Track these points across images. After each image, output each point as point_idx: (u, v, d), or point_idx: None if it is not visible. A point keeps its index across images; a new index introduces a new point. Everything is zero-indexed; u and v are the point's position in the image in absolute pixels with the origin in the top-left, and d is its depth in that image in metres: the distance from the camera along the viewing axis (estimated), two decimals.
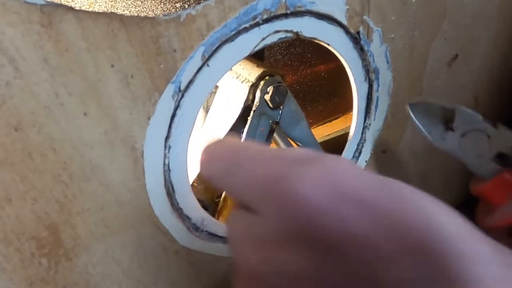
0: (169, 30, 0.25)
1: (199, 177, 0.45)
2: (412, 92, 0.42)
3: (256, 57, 0.45)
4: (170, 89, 0.27)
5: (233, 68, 0.35)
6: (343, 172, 0.18)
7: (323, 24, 0.32)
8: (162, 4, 0.52)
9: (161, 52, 0.25)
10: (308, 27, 0.31)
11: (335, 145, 0.51)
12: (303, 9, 0.30)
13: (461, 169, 0.56)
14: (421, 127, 0.26)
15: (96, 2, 0.51)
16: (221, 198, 0.44)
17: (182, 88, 0.27)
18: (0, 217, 0.24)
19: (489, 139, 0.23)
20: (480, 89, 0.49)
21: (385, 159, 0.44)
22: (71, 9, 0.22)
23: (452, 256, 0.15)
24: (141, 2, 0.52)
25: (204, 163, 0.23)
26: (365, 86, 0.37)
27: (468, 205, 0.36)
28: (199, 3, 0.25)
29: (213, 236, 0.34)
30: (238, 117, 0.41)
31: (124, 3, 0.52)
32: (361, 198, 0.17)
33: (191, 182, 0.34)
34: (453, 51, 0.43)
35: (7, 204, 0.24)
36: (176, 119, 0.28)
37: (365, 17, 0.33)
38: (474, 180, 0.24)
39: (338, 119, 0.75)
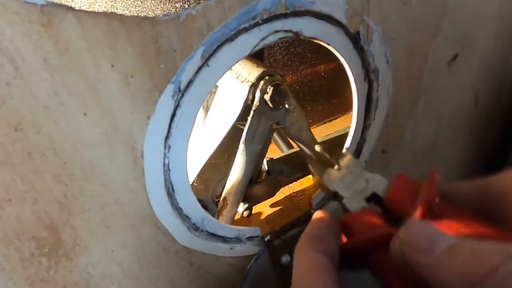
0: (169, 30, 0.25)
1: (199, 176, 0.45)
2: (412, 92, 0.42)
3: (256, 57, 0.45)
4: (170, 89, 0.27)
5: (233, 68, 0.35)
6: None
7: (323, 24, 0.32)
8: (162, 4, 0.52)
9: (161, 52, 0.25)
10: (308, 27, 0.31)
11: (335, 145, 0.51)
12: (303, 9, 0.30)
13: (461, 169, 0.56)
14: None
15: (96, 2, 0.51)
16: (221, 198, 0.44)
17: (182, 88, 0.27)
18: (0, 217, 0.24)
19: (367, 182, 0.29)
20: (480, 89, 0.49)
21: (385, 159, 0.44)
22: (71, 9, 0.22)
23: None
24: (141, 2, 0.52)
25: None
26: (365, 86, 0.37)
27: None
28: (199, 3, 0.25)
29: (213, 235, 0.34)
30: (238, 117, 0.41)
31: (124, 3, 0.52)
32: None
33: (191, 182, 0.34)
34: (453, 51, 0.43)
35: (7, 204, 0.24)
36: (176, 118, 0.28)
37: (365, 17, 0.33)
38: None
39: (338, 119, 0.75)
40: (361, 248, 0.24)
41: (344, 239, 0.26)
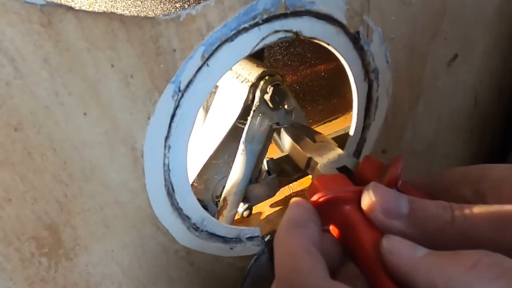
0: (169, 30, 0.25)
1: (199, 176, 0.45)
2: (412, 92, 0.42)
3: (256, 57, 0.45)
4: (170, 89, 0.27)
5: (233, 68, 0.35)
6: None
7: (323, 24, 0.32)
8: (162, 4, 0.52)
9: (161, 52, 0.25)
10: (308, 27, 0.31)
11: None
12: (302, 9, 0.30)
13: None
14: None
15: (96, 2, 0.51)
16: (221, 198, 0.44)
17: (182, 88, 0.27)
18: (0, 217, 0.24)
19: (339, 156, 0.34)
20: (480, 89, 0.49)
21: (385, 159, 0.44)
22: (71, 9, 0.22)
23: None
24: (141, 2, 0.52)
25: None
26: (365, 86, 0.37)
27: None
28: (199, 3, 0.25)
29: (213, 235, 0.34)
30: (238, 117, 0.41)
31: (124, 3, 0.52)
32: None
33: (191, 182, 0.34)
34: (453, 51, 0.43)
35: (7, 204, 0.24)
36: (176, 118, 0.28)
37: (365, 17, 0.33)
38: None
39: (338, 119, 0.75)
40: (334, 199, 0.25)
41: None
